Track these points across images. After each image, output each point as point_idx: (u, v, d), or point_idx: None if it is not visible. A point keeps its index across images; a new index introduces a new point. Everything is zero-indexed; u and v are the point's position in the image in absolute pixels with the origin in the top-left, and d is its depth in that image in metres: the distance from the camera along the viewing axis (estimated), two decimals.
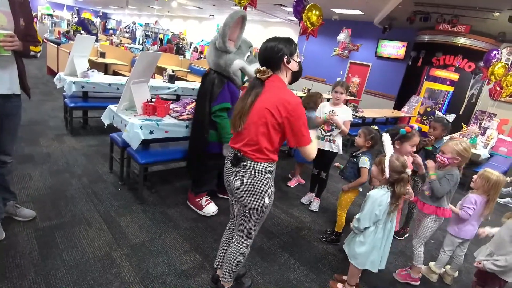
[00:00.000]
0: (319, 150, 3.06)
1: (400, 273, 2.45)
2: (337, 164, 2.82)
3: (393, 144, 2.03)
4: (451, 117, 2.96)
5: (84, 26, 9.53)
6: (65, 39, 9.10)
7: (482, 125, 6.52)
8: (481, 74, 7.44)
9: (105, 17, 24.54)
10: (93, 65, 5.15)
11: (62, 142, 3.73)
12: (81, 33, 8.50)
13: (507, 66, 6.17)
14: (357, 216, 1.95)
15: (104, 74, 4.50)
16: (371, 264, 1.94)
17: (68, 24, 14.14)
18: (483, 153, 5.45)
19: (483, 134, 6.22)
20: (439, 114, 3.30)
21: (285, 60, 1.49)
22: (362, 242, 1.93)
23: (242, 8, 4.27)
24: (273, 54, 1.49)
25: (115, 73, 7.29)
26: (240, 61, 2.42)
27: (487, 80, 6.92)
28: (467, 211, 2.24)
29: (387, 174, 1.81)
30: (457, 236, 2.34)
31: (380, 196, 1.86)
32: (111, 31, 18.19)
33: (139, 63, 2.75)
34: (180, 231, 2.47)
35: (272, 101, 1.45)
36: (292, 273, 2.25)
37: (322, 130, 3.02)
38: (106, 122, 2.99)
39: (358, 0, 7.86)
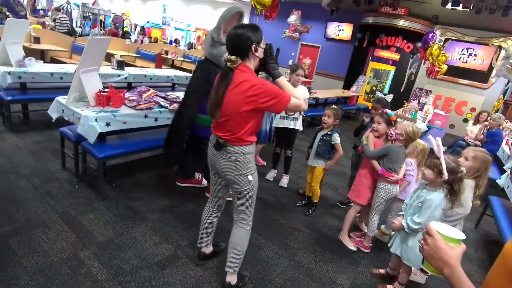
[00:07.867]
0: (283, 129, 3.30)
1: (355, 237, 2.72)
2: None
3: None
4: (389, 97, 3.28)
5: (10, 6, 8.35)
6: None
7: (421, 101, 7.17)
8: (419, 54, 8.12)
9: None
10: (27, 52, 4.62)
11: (2, 140, 3.36)
12: (8, 15, 7.50)
13: (441, 47, 6.81)
14: (415, 218, 1.95)
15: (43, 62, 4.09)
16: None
17: None
18: (422, 126, 6.05)
19: (421, 109, 6.86)
20: (379, 94, 3.62)
21: (253, 49, 1.57)
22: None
23: None
24: (241, 42, 1.55)
25: (54, 60, 6.62)
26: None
27: (424, 60, 7.58)
28: (409, 173, 2.58)
29: (445, 176, 1.85)
30: (403, 199, 2.62)
31: (440, 199, 1.93)
32: (41, 12, 16.20)
33: (88, 50, 2.56)
34: (148, 223, 2.43)
35: (243, 90, 1.53)
36: (262, 252, 2.36)
37: (285, 111, 3.18)
38: (54, 116, 2.76)
39: None
